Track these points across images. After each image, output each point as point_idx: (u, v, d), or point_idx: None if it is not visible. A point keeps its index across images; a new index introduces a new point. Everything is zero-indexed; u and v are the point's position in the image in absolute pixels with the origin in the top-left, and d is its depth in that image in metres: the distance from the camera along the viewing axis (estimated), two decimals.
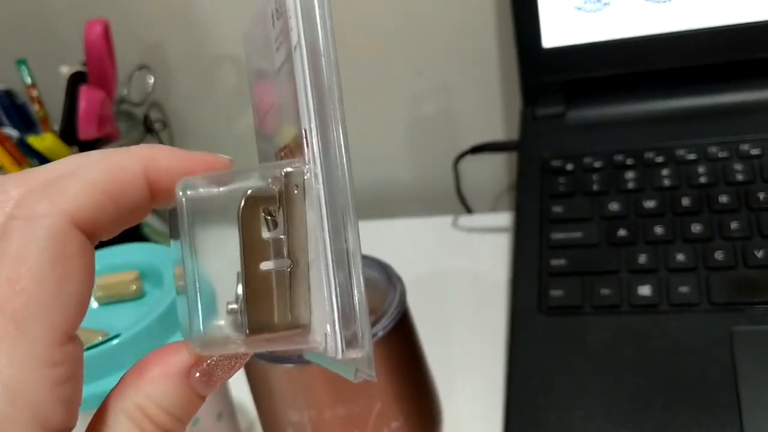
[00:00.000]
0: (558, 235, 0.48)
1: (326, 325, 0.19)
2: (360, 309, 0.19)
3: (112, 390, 0.20)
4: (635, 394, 0.39)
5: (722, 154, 0.49)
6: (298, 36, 0.19)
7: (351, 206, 0.19)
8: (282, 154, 0.21)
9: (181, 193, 0.19)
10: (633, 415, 0.39)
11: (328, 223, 0.19)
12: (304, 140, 0.19)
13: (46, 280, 0.17)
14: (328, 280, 0.19)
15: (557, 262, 0.47)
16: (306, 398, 0.35)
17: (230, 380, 0.41)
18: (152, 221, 0.67)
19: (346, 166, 0.19)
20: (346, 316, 0.19)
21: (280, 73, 0.21)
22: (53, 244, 0.18)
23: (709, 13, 0.52)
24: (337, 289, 0.19)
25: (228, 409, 0.40)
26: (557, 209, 0.50)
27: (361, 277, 0.19)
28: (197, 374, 0.20)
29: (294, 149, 0.20)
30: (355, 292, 0.19)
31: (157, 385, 0.19)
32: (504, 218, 0.65)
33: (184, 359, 0.20)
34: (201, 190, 0.19)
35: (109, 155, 0.20)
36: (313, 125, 0.19)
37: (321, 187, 0.19)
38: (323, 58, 0.19)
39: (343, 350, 0.19)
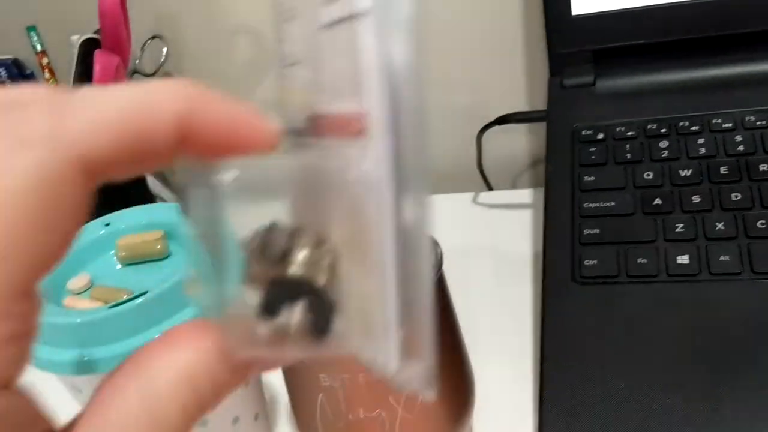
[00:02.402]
0: (591, 205, 0.46)
1: (378, 335, 0.16)
2: (422, 313, 0.16)
3: (162, 340, 0.17)
4: (675, 364, 0.38)
5: (760, 123, 0.47)
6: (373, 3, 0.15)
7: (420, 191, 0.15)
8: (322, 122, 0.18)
9: (219, 180, 0.16)
10: (672, 384, 0.37)
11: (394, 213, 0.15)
12: (369, 124, 0.15)
13: (22, 223, 0.14)
14: (385, 279, 0.15)
15: (590, 231, 0.45)
16: (340, 363, 0.34)
17: None
18: (167, 195, 0.65)
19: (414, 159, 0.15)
20: (404, 321, 0.16)
21: (329, 31, 0.17)
22: (43, 183, 0.14)
23: None
24: (396, 292, 0.15)
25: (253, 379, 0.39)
26: (589, 178, 0.48)
27: (427, 281, 0.16)
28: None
29: (342, 125, 0.17)
30: (416, 294, 0.16)
31: (216, 357, 0.17)
32: (525, 195, 0.64)
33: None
34: (241, 176, 0.16)
35: (145, 89, 0.16)
36: (384, 113, 0.15)
37: (384, 176, 0.15)
38: (404, 36, 0.15)
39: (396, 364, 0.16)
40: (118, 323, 0.31)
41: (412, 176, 0.15)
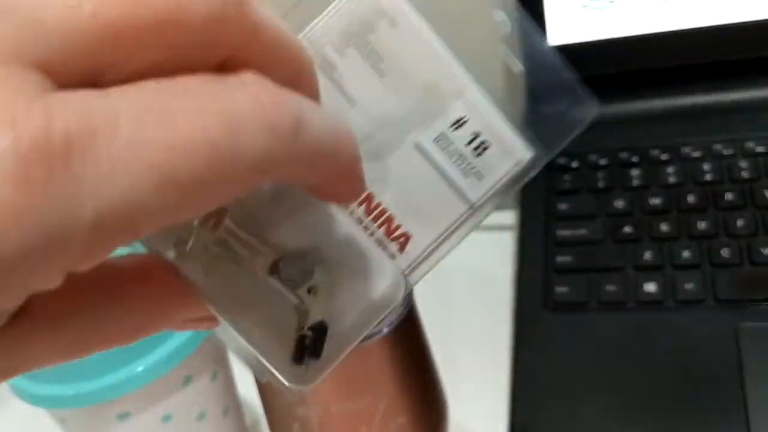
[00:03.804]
0: (563, 232, 0.48)
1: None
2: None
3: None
4: (641, 390, 0.39)
5: (727, 152, 0.49)
6: None
7: None
8: None
9: None
10: (639, 411, 0.39)
11: None
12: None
13: None
14: None
15: (563, 258, 0.47)
16: (313, 393, 0.35)
17: (236, 375, 0.41)
18: None
19: None
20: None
21: None
22: None
23: (714, 11, 0.52)
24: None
25: (234, 404, 0.40)
26: (562, 206, 0.50)
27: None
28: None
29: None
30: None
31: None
32: (507, 216, 0.65)
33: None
34: None
35: None
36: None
37: None
38: None
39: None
40: (100, 358, 0.33)
41: None
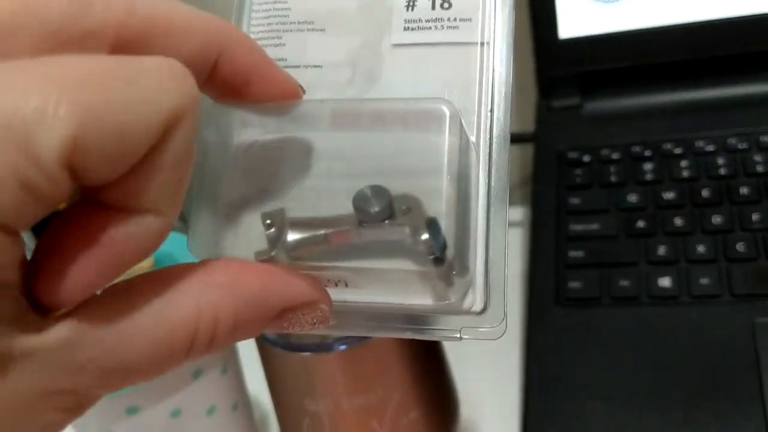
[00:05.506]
0: (576, 227, 0.47)
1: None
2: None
3: (206, 269, 0.17)
4: (655, 385, 0.39)
5: (741, 146, 0.48)
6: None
7: None
8: None
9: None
10: (653, 407, 0.38)
11: None
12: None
13: None
14: None
15: (575, 253, 0.46)
16: (323, 388, 0.35)
17: (245, 370, 0.40)
18: None
19: None
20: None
21: None
22: None
23: (727, 3, 0.51)
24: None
25: (243, 399, 0.40)
26: (574, 201, 0.49)
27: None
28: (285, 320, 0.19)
29: None
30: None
31: (252, 309, 0.18)
32: (516, 213, 0.64)
33: (290, 302, 0.18)
34: None
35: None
36: None
37: None
38: None
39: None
40: None
41: None
